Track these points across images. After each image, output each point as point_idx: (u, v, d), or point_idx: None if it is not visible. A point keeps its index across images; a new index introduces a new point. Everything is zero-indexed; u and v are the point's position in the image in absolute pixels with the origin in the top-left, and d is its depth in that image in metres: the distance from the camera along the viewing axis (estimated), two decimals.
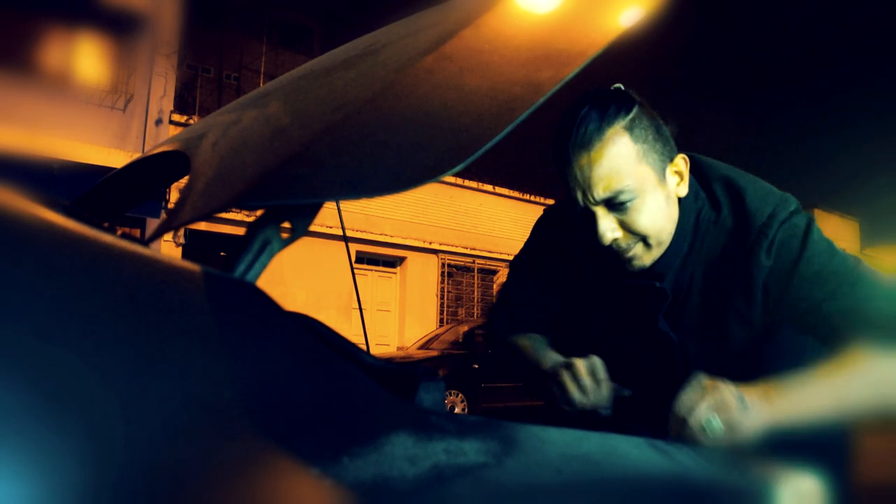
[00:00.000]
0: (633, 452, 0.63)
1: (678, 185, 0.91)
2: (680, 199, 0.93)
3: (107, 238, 0.44)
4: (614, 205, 0.86)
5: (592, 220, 0.87)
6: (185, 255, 9.26)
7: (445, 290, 12.62)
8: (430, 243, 12.31)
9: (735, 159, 1.00)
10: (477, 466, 0.50)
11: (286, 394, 0.45)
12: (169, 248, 9.17)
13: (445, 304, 12.57)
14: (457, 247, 12.67)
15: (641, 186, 0.86)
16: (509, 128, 0.56)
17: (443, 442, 0.50)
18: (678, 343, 0.96)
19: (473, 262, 12.99)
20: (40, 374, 0.32)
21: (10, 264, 0.36)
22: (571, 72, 0.60)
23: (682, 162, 0.92)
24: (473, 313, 12.80)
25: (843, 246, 0.92)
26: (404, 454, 0.47)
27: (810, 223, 0.90)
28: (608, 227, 0.87)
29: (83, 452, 0.32)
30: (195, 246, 9.43)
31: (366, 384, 0.50)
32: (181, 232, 9.20)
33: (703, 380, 0.77)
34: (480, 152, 0.54)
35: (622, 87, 0.90)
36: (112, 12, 8.98)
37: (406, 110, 0.61)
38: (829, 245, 0.90)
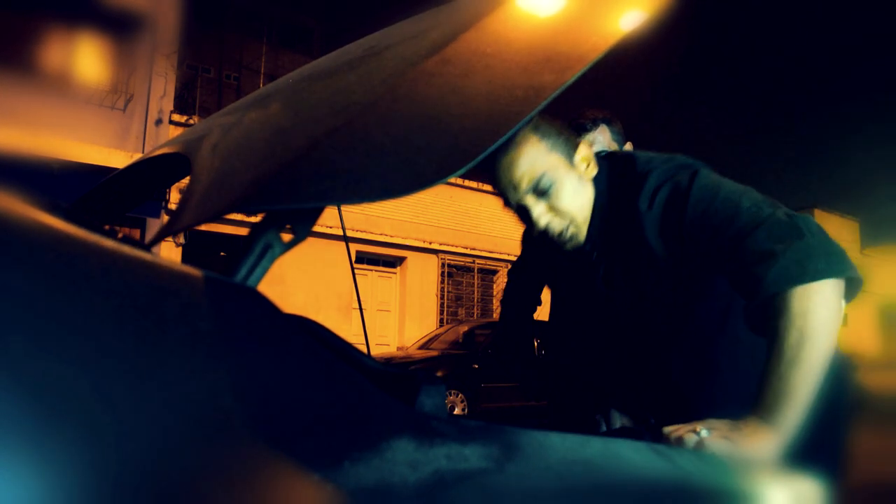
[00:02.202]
0: (635, 457, 0.63)
1: (587, 169, 1.07)
2: (593, 181, 1.08)
3: (107, 243, 0.44)
4: (539, 192, 1.01)
5: (526, 212, 1.03)
6: (185, 256, 9.26)
7: (445, 290, 12.62)
8: (430, 243, 12.31)
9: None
10: (478, 472, 0.50)
11: (288, 399, 0.45)
12: (169, 249, 9.17)
13: (445, 304, 12.57)
14: (457, 247, 12.67)
15: (556, 173, 1.02)
16: (511, 131, 0.56)
17: (444, 447, 0.50)
18: (618, 299, 1.13)
19: (473, 262, 12.99)
20: (40, 378, 0.32)
21: (9, 269, 0.36)
22: (574, 75, 0.60)
23: (584, 148, 1.07)
24: (473, 313, 12.80)
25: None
26: (406, 459, 0.47)
27: (696, 173, 0.99)
28: (540, 212, 1.02)
29: (83, 457, 0.32)
30: (195, 246, 9.43)
31: (367, 389, 0.50)
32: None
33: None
34: (482, 156, 0.53)
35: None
36: (112, 12, 8.97)
37: (407, 114, 0.61)
38: (716, 184, 0.96)
